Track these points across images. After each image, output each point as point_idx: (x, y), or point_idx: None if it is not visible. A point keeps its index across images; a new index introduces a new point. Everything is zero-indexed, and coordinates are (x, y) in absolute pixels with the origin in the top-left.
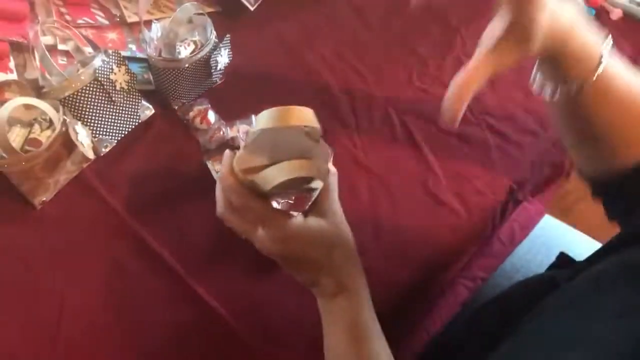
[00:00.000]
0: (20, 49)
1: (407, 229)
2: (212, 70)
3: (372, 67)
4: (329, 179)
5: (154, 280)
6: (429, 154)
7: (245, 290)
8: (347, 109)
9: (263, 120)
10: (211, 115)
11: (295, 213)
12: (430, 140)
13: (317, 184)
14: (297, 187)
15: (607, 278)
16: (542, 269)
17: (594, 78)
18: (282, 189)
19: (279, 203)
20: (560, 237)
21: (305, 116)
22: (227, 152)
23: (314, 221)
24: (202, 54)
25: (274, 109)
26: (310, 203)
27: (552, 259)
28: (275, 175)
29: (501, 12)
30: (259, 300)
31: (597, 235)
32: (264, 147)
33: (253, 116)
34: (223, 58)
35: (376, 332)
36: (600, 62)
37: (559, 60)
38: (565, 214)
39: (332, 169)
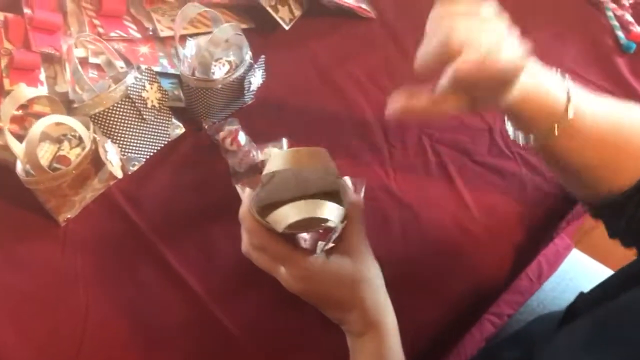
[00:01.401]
0: (52, 60)
1: (442, 265)
2: (245, 91)
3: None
4: (354, 213)
5: (177, 303)
6: (462, 187)
7: (268, 319)
8: (380, 136)
9: (275, 162)
10: (242, 137)
11: (318, 250)
12: (463, 172)
13: (336, 223)
14: (316, 225)
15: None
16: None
17: (556, 131)
18: (300, 228)
19: (308, 233)
20: (587, 273)
21: (318, 157)
22: (248, 190)
23: (335, 260)
24: (237, 74)
25: (285, 151)
26: (336, 235)
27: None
28: (287, 215)
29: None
30: (282, 330)
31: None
32: (281, 186)
33: (284, 139)
34: (257, 79)
35: None
36: (564, 114)
37: (521, 117)
38: (592, 248)
39: (359, 200)
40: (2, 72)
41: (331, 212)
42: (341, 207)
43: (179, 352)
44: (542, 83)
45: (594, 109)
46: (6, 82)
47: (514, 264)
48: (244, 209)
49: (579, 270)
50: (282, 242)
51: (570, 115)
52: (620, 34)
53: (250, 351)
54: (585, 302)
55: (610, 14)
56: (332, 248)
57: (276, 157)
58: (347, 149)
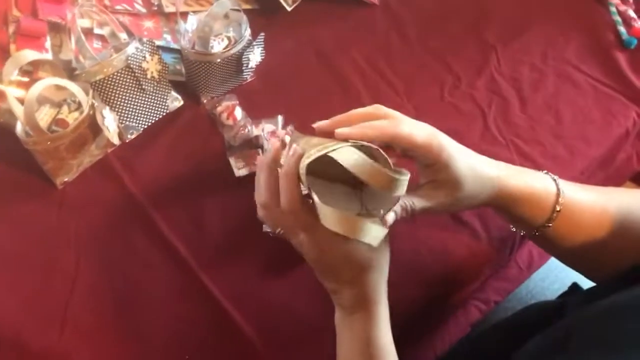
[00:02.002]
0: (58, 29)
1: (425, 247)
2: (244, 68)
3: (404, 77)
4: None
5: (166, 271)
6: None
7: (256, 289)
8: None
9: (353, 162)
10: (238, 112)
11: None
12: None
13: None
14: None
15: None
16: (556, 297)
17: (550, 224)
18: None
19: None
20: None
21: (398, 186)
22: (298, 149)
23: (354, 241)
24: (235, 50)
25: (370, 164)
26: None
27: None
28: (330, 219)
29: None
30: (269, 300)
31: None
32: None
33: (279, 116)
34: (255, 56)
35: (392, 352)
36: (555, 209)
37: (509, 214)
38: None
39: None
40: (10, 38)
41: (374, 237)
42: (385, 232)
43: (165, 316)
44: (527, 184)
45: (583, 199)
46: (12, 48)
47: (500, 251)
48: (289, 168)
49: None
50: (311, 212)
51: (559, 206)
52: (622, 29)
53: (233, 316)
54: (573, 302)
55: (613, 9)
56: None
57: (354, 156)
58: None
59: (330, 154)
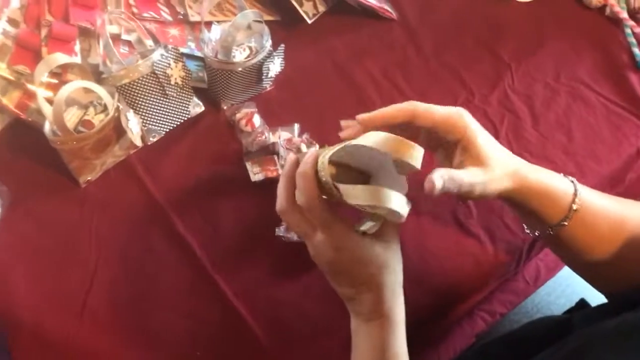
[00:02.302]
0: (87, 34)
1: (431, 254)
2: (263, 77)
3: (418, 90)
4: None
5: (181, 269)
6: None
7: (267, 291)
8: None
9: (373, 139)
10: (256, 119)
11: (362, 227)
12: None
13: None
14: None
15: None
16: (562, 311)
17: (566, 223)
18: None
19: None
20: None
21: (416, 156)
22: (314, 150)
23: (369, 241)
24: (256, 60)
25: (391, 136)
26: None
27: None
28: (357, 196)
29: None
30: (280, 303)
31: None
32: (353, 157)
33: (296, 125)
34: (275, 66)
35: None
36: (571, 208)
37: (527, 211)
38: None
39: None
40: (42, 41)
41: (401, 205)
42: (409, 202)
43: (178, 313)
44: (546, 180)
45: (599, 203)
46: (44, 51)
47: (506, 264)
48: (306, 167)
49: (578, 278)
50: (329, 208)
51: (575, 206)
52: (636, 50)
53: (244, 315)
54: (582, 317)
55: (628, 30)
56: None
57: (379, 136)
58: None
59: (352, 142)
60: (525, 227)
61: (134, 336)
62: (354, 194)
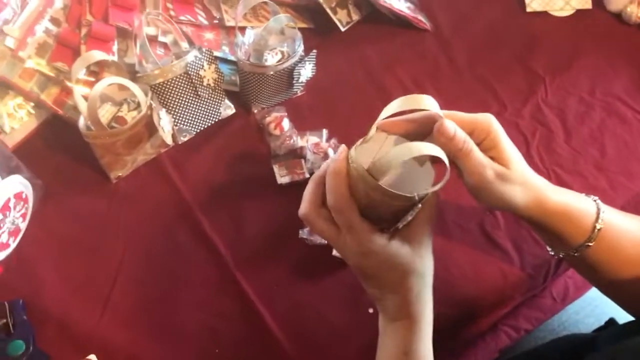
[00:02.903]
0: (125, 35)
1: (456, 264)
2: (294, 82)
3: (449, 100)
4: (430, 205)
5: (205, 267)
6: None
7: (287, 293)
8: None
9: (393, 106)
10: (285, 123)
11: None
12: None
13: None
14: (401, 205)
15: None
16: (590, 331)
17: (590, 244)
18: (389, 198)
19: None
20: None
21: (431, 104)
22: (344, 146)
23: (396, 244)
24: (287, 64)
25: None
26: (404, 224)
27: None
28: (393, 158)
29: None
30: (299, 305)
31: None
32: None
33: (324, 130)
34: (306, 71)
35: None
36: (594, 229)
37: (548, 232)
38: None
39: (436, 194)
40: (81, 40)
41: (437, 150)
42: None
43: (200, 310)
44: (568, 200)
45: (624, 224)
46: (82, 49)
47: (533, 278)
48: (336, 166)
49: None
50: (356, 211)
51: (599, 227)
52: None
53: (264, 315)
54: (608, 335)
55: None
56: (397, 232)
57: (394, 102)
58: None
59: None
60: (549, 249)
61: (155, 330)
62: (388, 160)
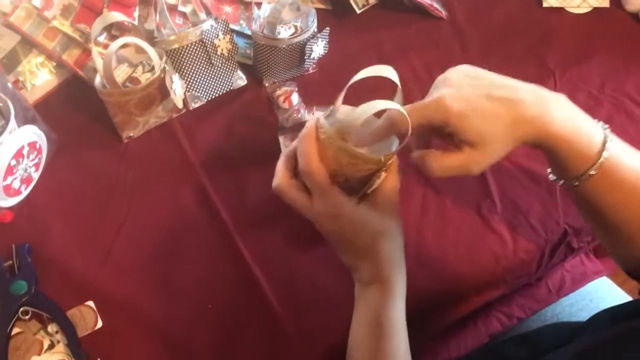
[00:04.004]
0: (147, 2)
1: (450, 244)
2: (306, 57)
3: None
4: (394, 171)
5: (206, 229)
6: (490, 178)
7: (282, 258)
8: None
9: (360, 75)
10: (294, 97)
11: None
12: (495, 168)
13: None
14: (368, 169)
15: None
16: None
17: (592, 173)
18: (356, 160)
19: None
20: (612, 300)
21: (390, 74)
22: (315, 114)
23: (364, 208)
24: (300, 38)
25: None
26: (371, 189)
27: None
28: (360, 114)
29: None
30: (293, 270)
31: None
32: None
33: (331, 106)
34: (318, 48)
35: (401, 329)
36: (598, 159)
37: (554, 156)
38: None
39: (397, 160)
40: (104, 4)
41: (395, 105)
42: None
43: (198, 268)
44: (578, 125)
45: (630, 159)
46: (105, 12)
47: (526, 263)
48: (306, 132)
49: (603, 295)
50: (326, 175)
51: (603, 158)
52: None
53: (258, 277)
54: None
55: None
56: (365, 197)
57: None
58: None
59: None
60: (550, 174)
61: (152, 283)
62: (353, 118)
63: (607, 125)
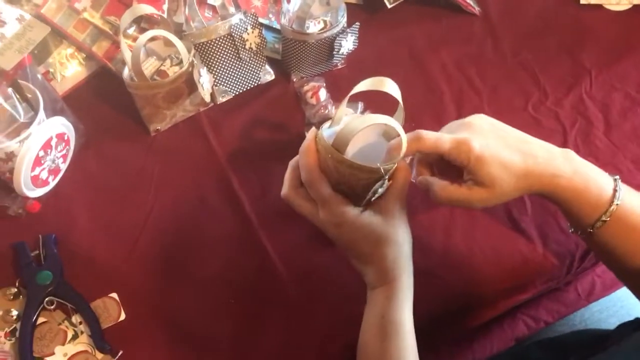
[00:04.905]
0: None
1: (479, 246)
2: (335, 52)
3: (489, 85)
4: (399, 176)
5: (229, 222)
6: None
7: (304, 254)
8: (451, 118)
9: (361, 87)
10: (322, 93)
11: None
12: None
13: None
14: (369, 178)
15: None
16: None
17: (605, 219)
18: (355, 170)
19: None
20: None
21: (392, 89)
22: (313, 128)
23: (367, 216)
24: (329, 33)
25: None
26: (378, 194)
27: None
28: (355, 127)
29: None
30: (314, 265)
31: None
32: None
33: (360, 103)
34: (348, 43)
35: (406, 332)
36: (610, 206)
37: (565, 207)
38: None
39: (406, 167)
40: None
41: (391, 120)
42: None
43: (221, 261)
44: (587, 177)
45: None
46: (134, 4)
47: (555, 267)
48: (306, 144)
49: (634, 301)
50: (327, 184)
51: (615, 205)
52: None
53: (282, 272)
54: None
55: None
56: (369, 204)
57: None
58: (417, 126)
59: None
60: (569, 226)
61: (175, 276)
62: (348, 131)
63: (617, 176)
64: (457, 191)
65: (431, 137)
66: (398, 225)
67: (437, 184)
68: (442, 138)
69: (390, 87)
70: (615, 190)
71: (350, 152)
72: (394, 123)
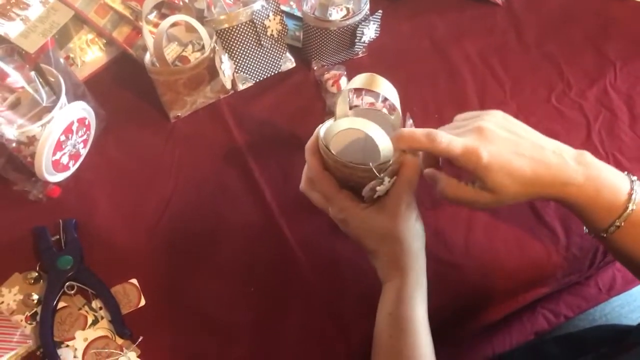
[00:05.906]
0: None
1: (501, 238)
2: (357, 40)
3: (513, 75)
4: (405, 173)
5: (250, 210)
6: None
7: (326, 243)
8: (474, 109)
9: (356, 82)
10: (343, 81)
11: (366, 197)
12: None
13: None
14: (368, 176)
15: None
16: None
17: (619, 224)
18: (350, 169)
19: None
20: None
21: (386, 90)
22: (320, 126)
23: (373, 211)
24: (351, 21)
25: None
26: (379, 194)
27: None
28: (344, 125)
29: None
30: (336, 255)
31: None
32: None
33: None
34: (370, 31)
35: (417, 327)
36: (624, 211)
37: (581, 211)
38: None
39: (414, 163)
40: None
41: (381, 138)
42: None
43: (241, 250)
44: (601, 182)
45: None
46: None
47: (578, 261)
48: (309, 144)
49: None
50: (332, 182)
51: (630, 210)
52: None
53: (302, 261)
54: None
55: None
56: (375, 200)
57: (357, 79)
58: (440, 116)
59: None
60: (585, 228)
61: (195, 263)
62: (332, 130)
63: (635, 177)
64: (464, 191)
65: (444, 141)
66: (402, 222)
67: (445, 181)
68: (454, 142)
69: (383, 86)
70: (630, 195)
71: (348, 148)
72: (376, 132)
